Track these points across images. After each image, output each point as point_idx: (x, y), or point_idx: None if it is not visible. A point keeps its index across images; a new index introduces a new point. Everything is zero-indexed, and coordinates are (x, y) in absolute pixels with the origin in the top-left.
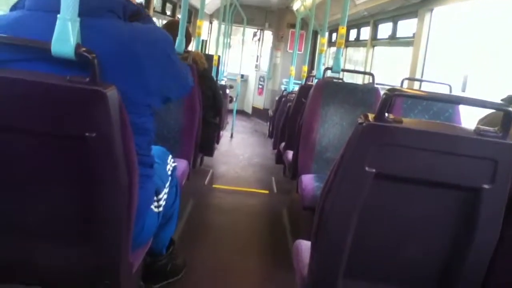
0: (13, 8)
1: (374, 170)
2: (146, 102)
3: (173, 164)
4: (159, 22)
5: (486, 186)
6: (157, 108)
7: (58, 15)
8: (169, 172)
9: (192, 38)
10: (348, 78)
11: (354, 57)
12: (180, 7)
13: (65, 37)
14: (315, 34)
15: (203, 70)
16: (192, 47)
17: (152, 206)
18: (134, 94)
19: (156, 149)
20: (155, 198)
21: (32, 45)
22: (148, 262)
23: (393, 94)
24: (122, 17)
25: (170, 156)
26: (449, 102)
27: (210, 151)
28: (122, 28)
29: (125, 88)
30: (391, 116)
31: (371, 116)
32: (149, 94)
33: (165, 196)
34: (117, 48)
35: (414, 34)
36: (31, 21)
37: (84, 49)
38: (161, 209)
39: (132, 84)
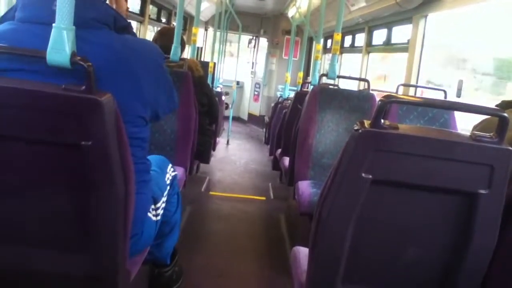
0: (1, 20)
1: (370, 176)
2: (140, 113)
3: (173, 173)
4: (154, 29)
5: (482, 191)
6: (148, 121)
7: (54, 24)
8: (168, 181)
9: (187, 46)
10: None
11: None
12: (175, 14)
13: (61, 46)
14: (310, 40)
15: (199, 77)
16: (187, 54)
17: (150, 215)
18: (129, 105)
19: (156, 158)
20: (152, 206)
21: (28, 54)
22: (156, 273)
23: (389, 101)
24: (113, 30)
25: (170, 165)
26: (443, 108)
27: (206, 158)
28: (116, 40)
29: (120, 98)
30: (387, 123)
31: (367, 123)
32: (143, 105)
33: (163, 205)
34: (113, 58)
35: (408, 40)
36: (24, 33)
37: (79, 58)
38: (159, 218)
39: (128, 94)
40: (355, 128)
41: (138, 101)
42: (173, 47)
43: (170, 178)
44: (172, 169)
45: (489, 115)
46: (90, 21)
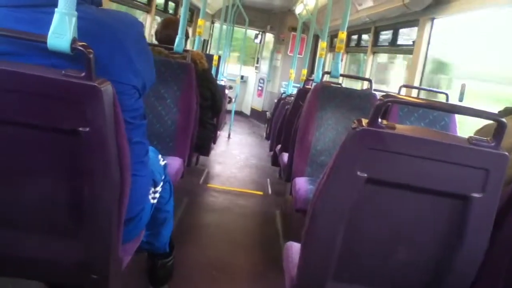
0: None
1: (365, 175)
2: (133, 83)
3: (163, 162)
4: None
5: (476, 195)
6: (140, 93)
7: (56, 9)
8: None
9: (193, 38)
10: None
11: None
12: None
13: (62, 31)
14: (316, 38)
15: (203, 70)
16: (192, 46)
17: (150, 197)
18: (123, 76)
19: None
20: (152, 189)
21: (29, 38)
22: (160, 265)
23: (387, 100)
24: (91, 4)
25: (160, 155)
26: (442, 110)
27: (206, 151)
28: (100, 13)
29: (114, 70)
30: (385, 122)
31: (364, 121)
32: (135, 75)
33: (160, 190)
34: (101, 31)
35: (413, 42)
36: (6, 18)
37: (80, 43)
38: (155, 201)
39: (120, 66)
40: (353, 126)
41: (131, 71)
42: (177, 38)
43: (162, 165)
44: (162, 159)
45: (487, 119)
46: None
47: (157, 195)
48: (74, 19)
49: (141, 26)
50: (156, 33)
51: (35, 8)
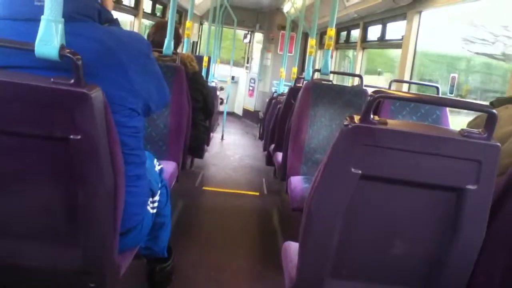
0: None
1: (359, 171)
2: (130, 105)
3: (159, 166)
4: (149, 23)
5: (470, 187)
6: (139, 113)
7: (42, 16)
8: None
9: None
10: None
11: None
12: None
13: (49, 38)
14: (306, 36)
15: (193, 73)
16: (181, 49)
17: (149, 207)
18: (118, 96)
19: None
20: (151, 199)
21: (16, 46)
22: (158, 270)
23: (378, 96)
24: (98, 22)
25: (155, 159)
26: (431, 104)
27: (200, 153)
28: (102, 31)
29: (109, 90)
30: (376, 118)
31: (356, 118)
32: (134, 96)
33: (158, 198)
34: (99, 50)
35: (403, 36)
36: (7, 30)
37: (68, 50)
38: (155, 210)
39: (116, 86)
40: (345, 123)
41: (128, 92)
42: (166, 41)
43: (158, 171)
44: (157, 163)
45: (478, 111)
46: (72, 14)
47: (156, 204)
48: (60, 26)
49: (147, 46)
50: (148, 36)
51: (32, 22)
